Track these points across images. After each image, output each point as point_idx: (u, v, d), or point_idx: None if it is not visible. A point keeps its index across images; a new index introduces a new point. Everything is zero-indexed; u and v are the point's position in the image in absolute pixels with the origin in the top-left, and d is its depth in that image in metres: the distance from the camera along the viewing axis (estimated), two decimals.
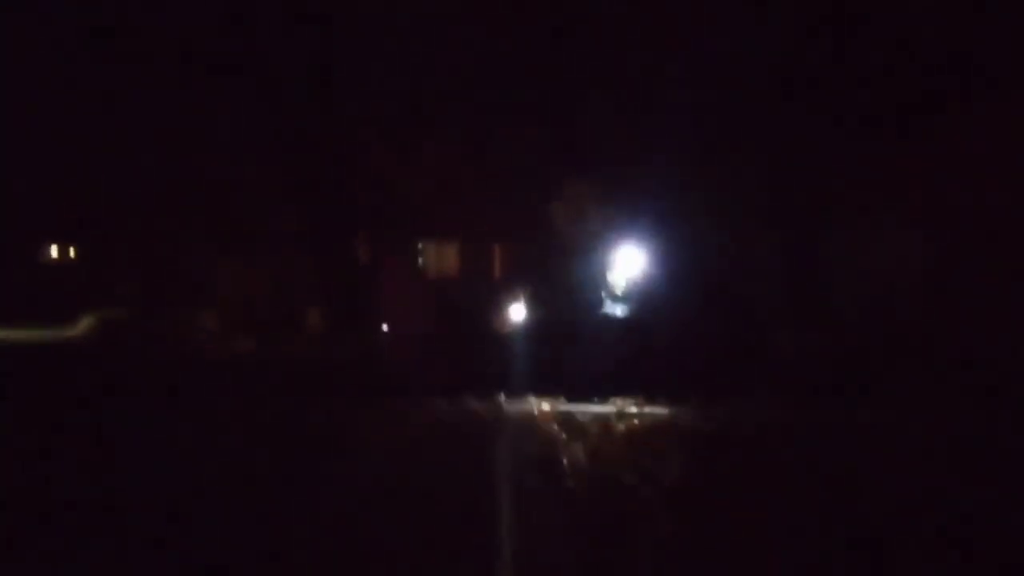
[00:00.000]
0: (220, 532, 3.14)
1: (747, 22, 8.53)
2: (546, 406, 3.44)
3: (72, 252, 13.76)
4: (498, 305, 4.09)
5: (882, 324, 8.60)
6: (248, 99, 11.28)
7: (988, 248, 9.20)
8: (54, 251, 13.83)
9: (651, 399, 3.46)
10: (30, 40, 11.86)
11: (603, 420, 3.38)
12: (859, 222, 10.16)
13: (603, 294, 4.22)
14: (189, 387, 7.21)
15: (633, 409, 3.45)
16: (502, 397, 3.44)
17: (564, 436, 3.49)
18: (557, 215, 4.04)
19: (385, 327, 9.49)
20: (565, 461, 3.29)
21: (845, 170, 10.11)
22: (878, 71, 9.19)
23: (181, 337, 11.15)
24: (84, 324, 11.01)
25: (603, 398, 3.47)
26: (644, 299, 4.30)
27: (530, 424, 3.36)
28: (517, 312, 4.05)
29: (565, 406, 3.48)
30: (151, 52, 11.35)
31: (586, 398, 3.43)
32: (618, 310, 4.32)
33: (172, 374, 8.47)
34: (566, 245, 4.02)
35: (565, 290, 4.07)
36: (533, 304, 4.04)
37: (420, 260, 11.73)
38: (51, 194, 12.96)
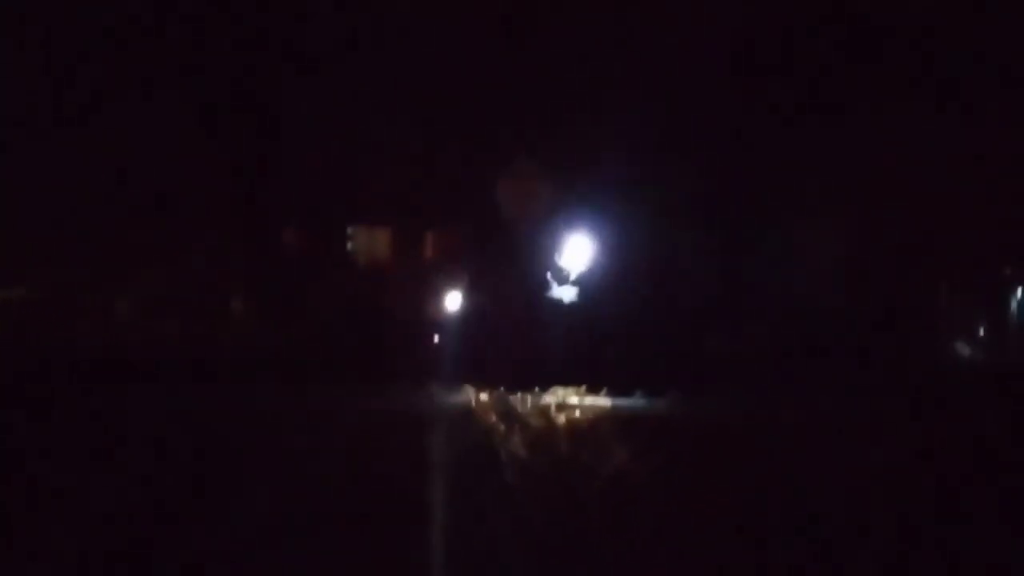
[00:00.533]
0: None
1: (689, 20, 8.58)
2: (484, 396, 3.26)
3: None
4: (432, 291, 3.88)
5: (811, 322, 8.81)
6: (174, 82, 10.71)
7: (914, 245, 9.56)
8: None
9: (593, 390, 3.33)
10: None
11: (543, 411, 3.21)
12: (790, 222, 10.42)
13: (549, 278, 4.05)
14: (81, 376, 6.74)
15: (574, 400, 3.31)
16: (436, 387, 3.25)
17: (502, 427, 3.29)
18: (503, 196, 3.86)
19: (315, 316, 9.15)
20: (502, 454, 3.07)
21: (777, 169, 10.34)
22: (811, 70, 9.40)
23: (92, 322, 10.47)
24: None
25: (544, 388, 3.32)
26: (591, 287, 4.17)
27: (466, 415, 3.16)
28: (452, 298, 3.85)
29: (504, 396, 3.31)
30: (85, 25, 10.67)
31: (526, 387, 3.26)
32: (565, 295, 4.16)
33: (72, 362, 7.96)
34: (510, 228, 3.85)
35: (508, 274, 3.89)
36: (473, 289, 3.84)
37: (349, 246, 11.36)
38: None
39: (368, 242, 11.83)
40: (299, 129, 10.47)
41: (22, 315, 10.43)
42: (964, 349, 9.03)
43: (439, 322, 4.03)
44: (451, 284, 3.79)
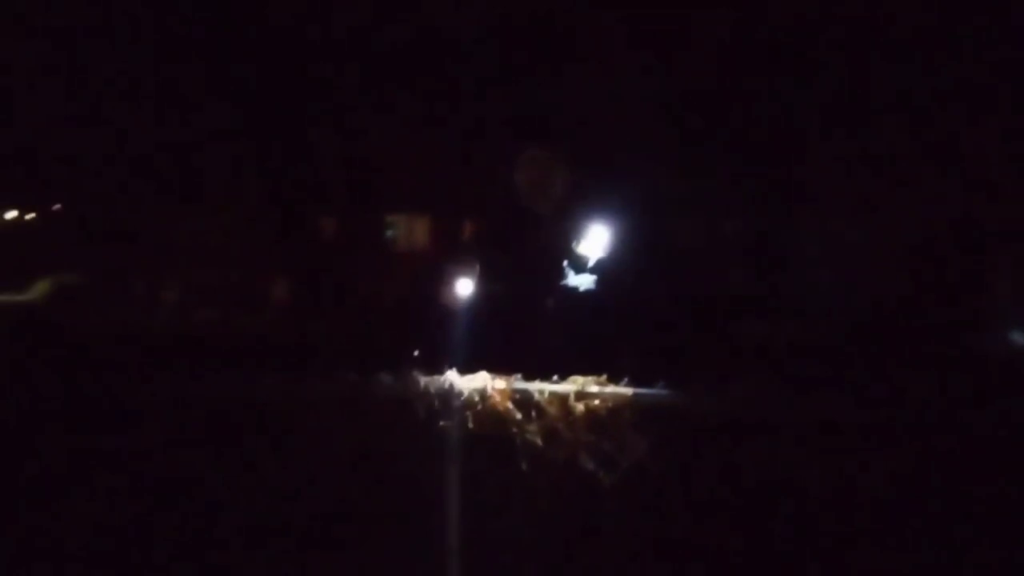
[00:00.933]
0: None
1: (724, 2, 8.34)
2: (500, 383, 3.17)
3: (32, 216, 13.30)
4: (451, 277, 3.78)
5: (854, 315, 8.51)
6: (216, 71, 10.93)
7: (964, 237, 9.16)
8: (12, 215, 13.39)
9: (614, 379, 3.21)
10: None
11: (562, 399, 3.10)
12: (834, 209, 10.06)
13: (567, 266, 3.93)
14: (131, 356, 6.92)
15: (595, 388, 3.19)
16: (452, 372, 3.17)
17: (519, 415, 3.19)
18: (521, 181, 3.76)
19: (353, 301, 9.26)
20: (518, 442, 2.98)
21: (821, 155, 9.98)
22: (860, 54, 9.03)
23: (139, 306, 10.81)
24: (38, 288, 10.61)
25: (563, 376, 3.21)
26: (612, 274, 4.03)
27: (481, 402, 3.07)
28: (467, 285, 3.74)
29: (521, 383, 3.21)
30: (121, 20, 10.96)
31: (544, 375, 3.16)
32: (583, 283, 4.03)
33: (120, 343, 8.18)
34: (527, 214, 3.75)
35: (524, 261, 3.79)
36: (489, 276, 3.74)
37: (390, 234, 11.47)
38: (11, 158, 12.52)
39: (407, 230, 11.92)
40: (338, 119, 10.58)
41: (75, 299, 10.81)
42: (1020, 339, 8.63)
43: (459, 309, 3.99)
44: (474, 271, 3.73)
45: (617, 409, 3.33)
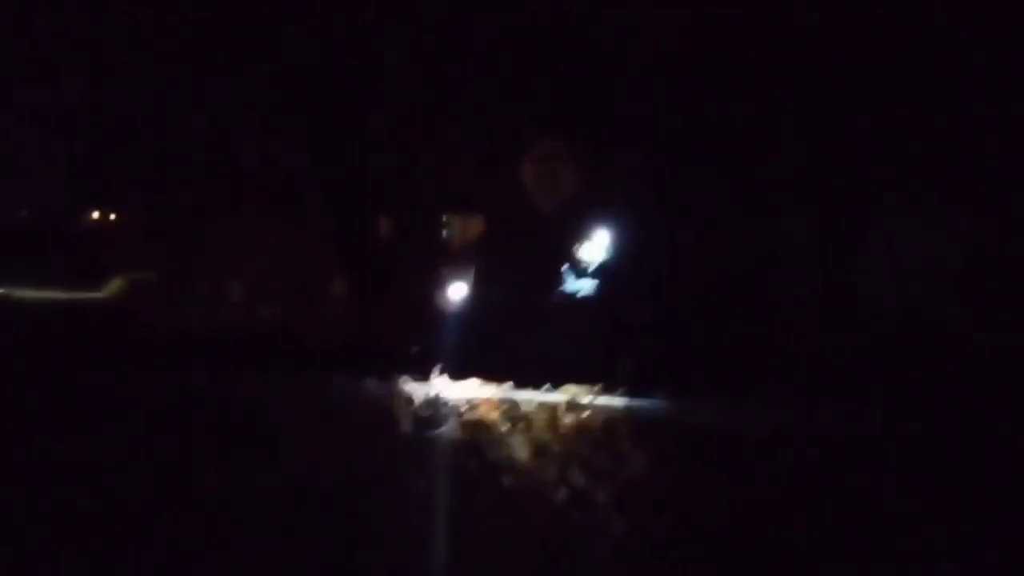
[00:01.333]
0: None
1: None
2: (487, 391, 3.15)
3: (112, 217, 14.12)
4: (448, 281, 3.77)
5: (921, 324, 7.95)
6: (276, 76, 11.31)
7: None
8: (96, 216, 14.20)
9: (609, 389, 3.12)
10: (79, 12, 12.14)
11: (551, 410, 3.05)
12: (907, 206, 9.42)
13: (567, 270, 3.85)
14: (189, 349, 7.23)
15: (587, 399, 3.12)
16: (440, 379, 3.17)
17: (506, 425, 3.18)
18: (525, 181, 3.68)
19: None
20: (502, 453, 2.96)
21: (895, 144, 9.36)
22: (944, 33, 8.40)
23: (206, 302, 11.28)
24: (113, 286, 11.26)
25: (554, 385, 3.15)
26: (618, 278, 3.92)
27: (467, 411, 3.06)
28: (459, 288, 3.71)
29: (510, 392, 3.18)
30: (186, 27, 11.47)
31: (535, 384, 3.11)
32: (583, 288, 3.94)
33: (184, 336, 8.57)
34: (528, 216, 3.68)
35: (522, 264, 3.72)
36: (484, 279, 3.71)
37: (444, 233, 11.52)
38: (94, 161, 13.28)
39: (463, 229, 11.98)
40: (397, 117, 10.74)
41: (147, 296, 11.41)
42: None
43: (455, 312, 3.95)
44: (462, 274, 3.68)
45: (611, 421, 3.23)
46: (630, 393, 3.09)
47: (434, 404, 3.20)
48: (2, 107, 12.79)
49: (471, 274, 3.80)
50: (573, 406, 3.15)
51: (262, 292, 11.90)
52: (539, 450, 3.08)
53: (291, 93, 10.99)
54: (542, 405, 3.03)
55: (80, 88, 12.68)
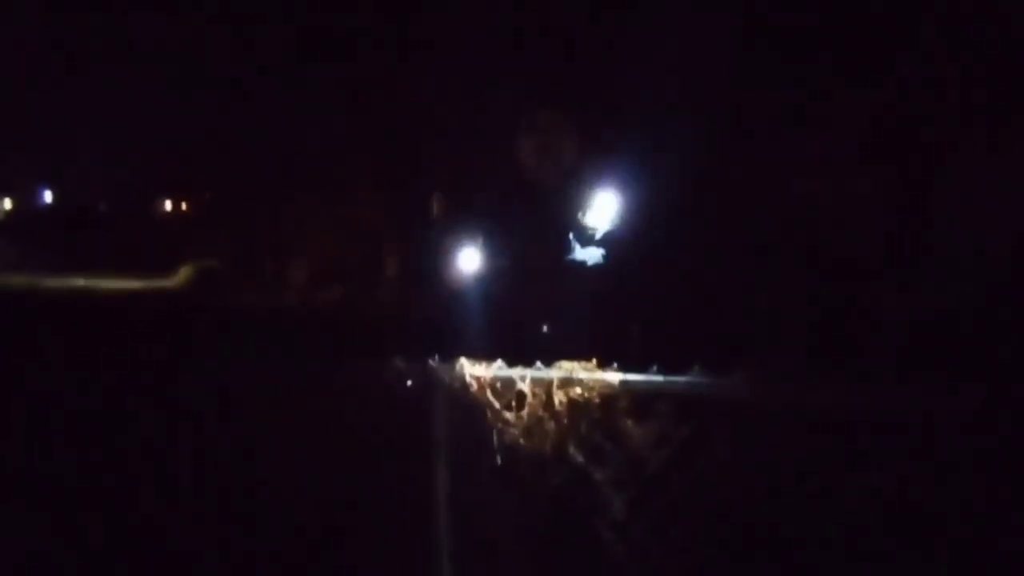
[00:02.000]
0: None
1: None
2: (480, 369, 3.05)
3: (184, 207, 14.81)
4: (448, 254, 3.67)
5: (1003, 289, 7.29)
6: (335, 73, 11.59)
7: None
8: (168, 206, 14.95)
9: (608, 364, 2.97)
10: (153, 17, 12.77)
11: (545, 386, 2.93)
12: (985, 162, 8.65)
13: (572, 238, 3.69)
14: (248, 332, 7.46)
15: (583, 375, 2.98)
16: (434, 358, 3.09)
17: (497, 404, 3.08)
18: (525, 146, 3.53)
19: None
20: (494, 435, 2.89)
21: (975, 96, 8.62)
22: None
23: (270, 286, 11.69)
24: (182, 274, 11.79)
25: (550, 362, 3.02)
26: (619, 247, 3.73)
27: (459, 390, 2.98)
28: (468, 261, 3.60)
29: (503, 370, 3.07)
30: (249, 31, 11.87)
31: (530, 361, 2.99)
32: (590, 258, 3.77)
33: (247, 319, 8.86)
34: (530, 182, 3.53)
35: (524, 234, 3.58)
36: (489, 252, 3.58)
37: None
38: (167, 154, 13.98)
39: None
40: (448, 104, 10.76)
41: (216, 283, 11.92)
42: None
43: (453, 288, 3.90)
44: (466, 246, 3.60)
45: (610, 397, 3.09)
46: (626, 368, 2.92)
47: (429, 382, 3.10)
48: (82, 106, 13.60)
49: (480, 248, 3.67)
50: (567, 382, 3.00)
51: (322, 275, 12.24)
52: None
53: (347, 87, 11.24)
54: (536, 381, 2.91)
55: (153, 87, 13.35)
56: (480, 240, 3.79)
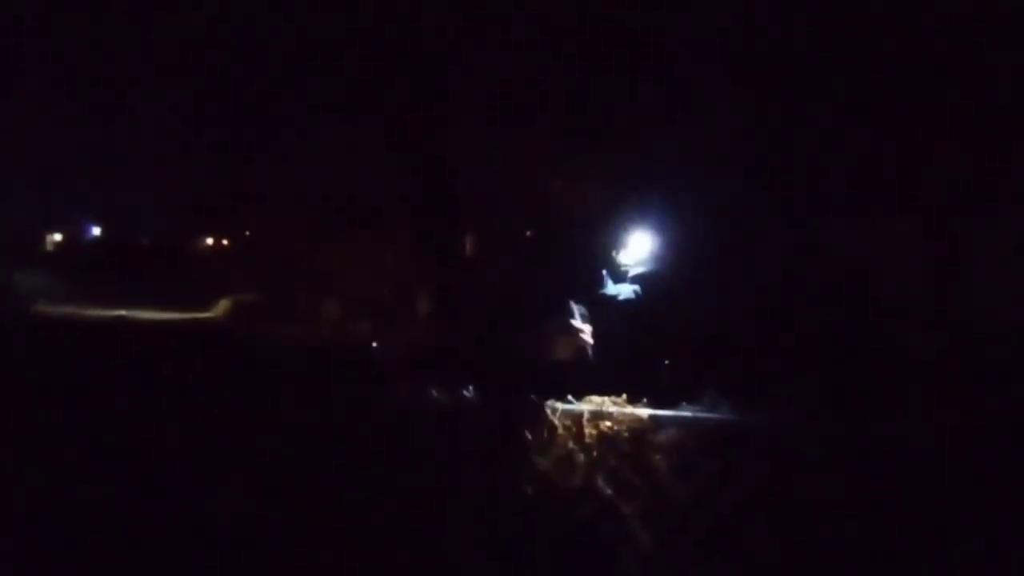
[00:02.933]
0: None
1: None
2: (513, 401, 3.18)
3: (225, 243, 15.24)
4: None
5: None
6: (372, 113, 11.98)
7: None
8: (209, 241, 15.37)
9: (638, 399, 3.09)
10: (196, 58, 13.37)
11: (576, 419, 3.07)
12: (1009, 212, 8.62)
13: (605, 275, 3.85)
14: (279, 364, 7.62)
15: (612, 409, 3.11)
16: (470, 388, 3.24)
17: (529, 435, 3.23)
18: (560, 186, 3.69)
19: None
20: (526, 465, 3.04)
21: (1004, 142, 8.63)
22: None
23: (305, 320, 11.92)
24: (220, 307, 12.10)
25: (579, 395, 3.15)
26: (652, 285, 3.87)
27: (495, 420, 3.13)
28: (502, 298, 3.77)
29: (536, 402, 3.20)
30: (290, 74, 12.37)
31: (559, 395, 3.13)
32: (622, 293, 3.92)
33: (276, 352, 9.03)
34: (566, 221, 3.69)
35: (557, 271, 3.74)
36: (523, 287, 3.75)
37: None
38: (210, 191, 14.44)
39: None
40: (477, 140, 11.03)
41: (253, 315, 12.20)
42: None
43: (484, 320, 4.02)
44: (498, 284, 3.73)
45: (639, 432, 3.20)
46: (656, 403, 3.03)
47: (463, 411, 3.27)
48: (131, 144, 14.17)
49: (512, 285, 3.88)
50: (598, 415, 3.14)
51: (355, 310, 12.46)
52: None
53: (378, 121, 11.58)
54: (566, 414, 3.04)
55: (198, 128, 13.94)
56: (512, 278, 3.95)
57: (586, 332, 4.00)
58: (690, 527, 2.80)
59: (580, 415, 3.09)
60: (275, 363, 8.55)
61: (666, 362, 3.86)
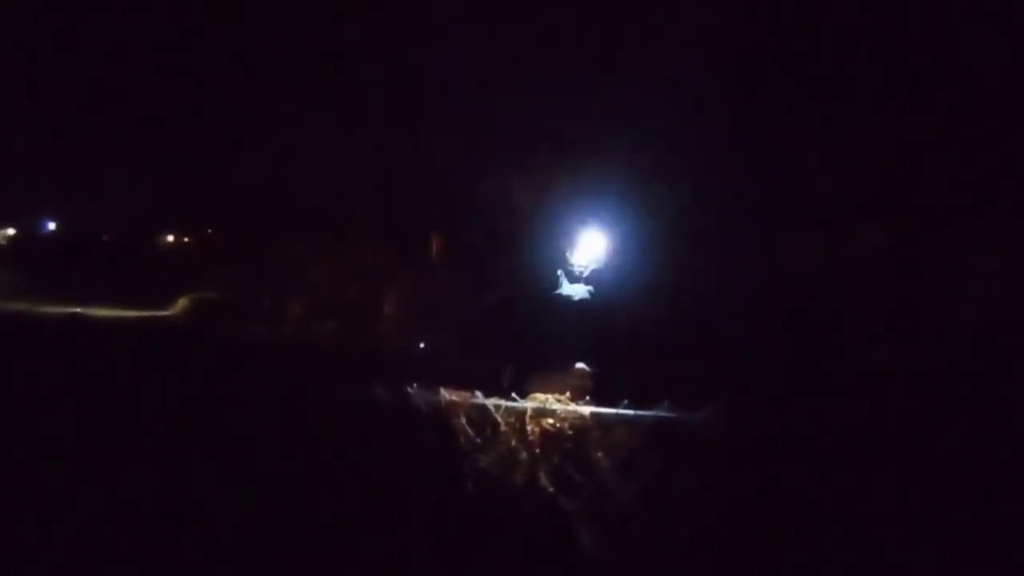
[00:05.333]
0: None
1: None
2: (457, 397, 3.16)
3: (186, 240, 14.99)
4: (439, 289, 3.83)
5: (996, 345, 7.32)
6: (337, 112, 11.91)
7: None
8: (170, 238, 15.11)
9: (581, 397, 3.08)
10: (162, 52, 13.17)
11: (519, 416, 3.05)
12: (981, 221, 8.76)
13: (560, 273, 3.85)
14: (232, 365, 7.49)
15: (556, 407, 3.09)
16: (412, 386, 3.20)
17: (471, 432, 3.20)
18: (517, 187, 3.70)
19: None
20: (465, 462, 3.00)
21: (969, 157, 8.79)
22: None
23: (267, 319, 11.75)
24: (180, 305, 11.88)
25: (524, 393, 3.14)
26: (606, 284, 3.88)
27: (436, 417, 3.10)
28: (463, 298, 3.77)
29: (479, 399, 3.18)
30: (254, 70, 12.24)
31: (506, 392, 3.11)
32: (577, 293, 3.93)
33: (234, 352, 8.89)
34: (521, 221, 3.69)
35: (515, 270, 3.75)
36: (479, 286, 3.75)
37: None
38: (170, 187, 14.19)
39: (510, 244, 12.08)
40: (442, 140, 11.00)
41: (214, 314, 11.99)
42: None
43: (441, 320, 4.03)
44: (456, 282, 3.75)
45: (582, 429, 3.19)
46: (599, 401, 3.03)
47: (409, 409, 3.23)
48: (88, 138, 13.89)
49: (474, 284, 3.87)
50: (541, 413, 3.11)
51: (318, 310, 12.33)
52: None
53: (349, 123, 11.51)
54: (510, 411, 3.02)
55: (159, 122, 13.69)
56: (474, 277, 3.95)
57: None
58: (632, 522, 2.79)
59: (523, 413, 3.07)
60: (238, 363, 8.42)
61: (615, 362, 3.88)
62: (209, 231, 14.43)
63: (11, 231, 14.75)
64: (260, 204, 13.14)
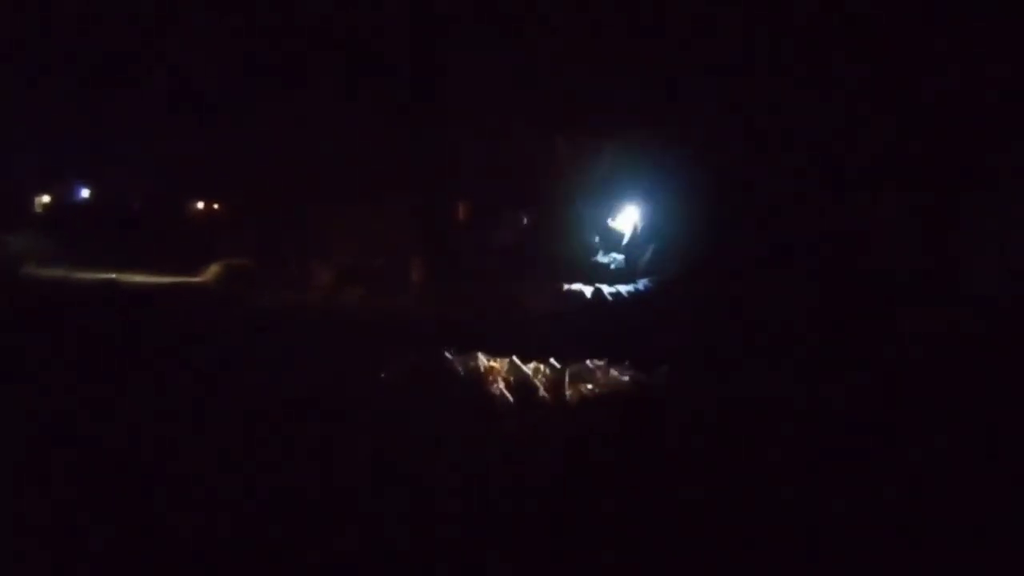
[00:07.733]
0: None
1: None
2: (495, 363, 3.20)
3: (216, 207, 15.13)
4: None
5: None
6: (366, 81, 11.89)
7: None
8: (200, 206, 15.27)
9: (617, 362, 3.10)
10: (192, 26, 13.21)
11: (558, 380, 3.09)
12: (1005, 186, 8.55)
13: (597, 242, 3.88)
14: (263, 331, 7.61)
15: (597, 373, 3.12)
16: (451, 351, 3.24)
17: (510, 396, 3.24)
18: (556, 158, 3.69)
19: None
20: (504, 423, 3.05)
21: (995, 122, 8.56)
22: None
23: (296, 285, 11.90)
24: (211, 271, 12.04)
25: (563, 358, 3.17)
26: (640, 253, 3.88)
27: (474, 381, 3.14)
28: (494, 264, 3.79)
29: (518, 363, 3.22)
30: (285, 42, 12.23)
31: (543, 356, 3.14)
32: (613, 262, 3.94)
33: (264, 317, 9.02)
34: (558, 189, 3.69)
35: (549, 237, 3.76)
36: (514, 254, 3.77)
37: (526, 220, 11.65)
38: (202, 155, 14.31)
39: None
40: (469, 113, 10.95)
41: (244, 280, 12.15)
42: None
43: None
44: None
45: (614, 392, 3.22)
46: (636, 366, 3.04)
47: (449, 373, 3.27)
48: (122, 107, 14.02)
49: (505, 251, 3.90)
50: (577, 376, 3.14)
51: (347, 276, 12.44)
52: None
53: (377, 95, 11.50)
54: (548, 375, 3.05)
55: (191, 91, 13.79)
56: (505, 243, 3.96)
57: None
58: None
59: (562, 376, 3.11)
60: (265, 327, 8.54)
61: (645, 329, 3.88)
62: (238, 198, 14.56)
63: (47, 198, 14.99)
64: (288, 172, 13.23)
